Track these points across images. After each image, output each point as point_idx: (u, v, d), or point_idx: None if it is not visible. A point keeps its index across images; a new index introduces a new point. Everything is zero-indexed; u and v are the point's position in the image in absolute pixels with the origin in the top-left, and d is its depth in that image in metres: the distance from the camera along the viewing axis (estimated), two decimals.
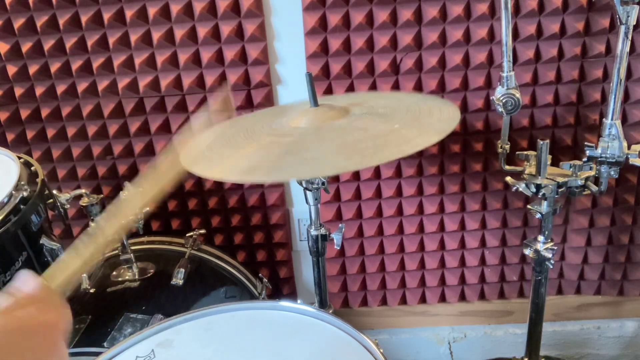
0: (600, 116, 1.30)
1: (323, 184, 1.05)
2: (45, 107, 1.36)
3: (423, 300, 1.57)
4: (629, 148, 1.04)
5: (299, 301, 0.94)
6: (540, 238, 1.14)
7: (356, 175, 1.41)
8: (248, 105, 1.33)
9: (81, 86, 1.33)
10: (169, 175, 0.82)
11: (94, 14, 1.26)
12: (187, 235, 1.33)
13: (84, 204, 1.19)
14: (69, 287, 0.68)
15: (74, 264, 0.71)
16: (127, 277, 1.20)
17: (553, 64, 1.27)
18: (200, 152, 0.90)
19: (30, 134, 1.38)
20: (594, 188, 1.08)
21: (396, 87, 1.31)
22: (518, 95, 1.04)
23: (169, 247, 1.32)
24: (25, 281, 0.61)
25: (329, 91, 1.32)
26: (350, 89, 1.32)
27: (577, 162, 1.09)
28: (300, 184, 1.07)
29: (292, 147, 0.86)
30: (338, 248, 1.10)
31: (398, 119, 0.91)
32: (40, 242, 1.05)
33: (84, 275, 1.21)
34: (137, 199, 0.82)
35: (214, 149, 0.92)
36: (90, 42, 1.29)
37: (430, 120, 0.90)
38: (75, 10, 1.26)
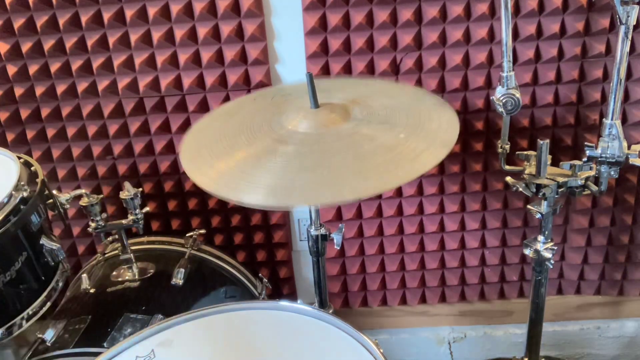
0: (600, 116, 1.30)
1: None
2: (45, 107, 1.36)
3: (423, 300, 1.57)
4: (629, 148, 1.04)
5: (299, 301, 0.94)
6: (540, 238, 1.14)
7: None
8: None
9: (81, 86, 1.33)
10: None
11: (94, 14, 1.26)
12: (187, 235, 1.33)
13: (84, 204, 1.19)
14: None
15: None
16: (127, 277, 1.20)
17: (553, 64, 1.27)
18: (220, 174, 0.88)
19: (30, 134, 1.38)
20: (594, 188, 1.08)
21: None
22: (518, 95, 1.04)
23: (169, 247, 1.32)
24: None
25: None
26: None
27: (577, 162, 1.09)
28: None
29: (304, 160, 0.85)
30: (338, 248, 1.10)
31: (400, 124, 0.91)
32: (40, 242, 1.05)
33: (84, 275, 1.21)
34: None
35: (231, 166, 0.90)
36: (90, 42, 1.29)
37: (432, 125, 0.90)
38: (75, 10, 1.26)
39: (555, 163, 1.12)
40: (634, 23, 0.96)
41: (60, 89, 1.33)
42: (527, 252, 1.16)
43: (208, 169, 0.90)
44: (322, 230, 1.11)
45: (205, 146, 0.97)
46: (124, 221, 1.21)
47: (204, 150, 0.95)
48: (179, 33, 1.27)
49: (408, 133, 0.88)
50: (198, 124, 1.07)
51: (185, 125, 1.36)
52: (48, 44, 1.29)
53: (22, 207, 0.98)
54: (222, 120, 1.07)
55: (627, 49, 0.98)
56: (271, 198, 0.81)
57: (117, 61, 1.30)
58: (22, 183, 1.01)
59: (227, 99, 1.33)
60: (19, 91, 1.34)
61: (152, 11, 1.25)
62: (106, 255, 1.30)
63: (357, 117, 0.95)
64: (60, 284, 1.09)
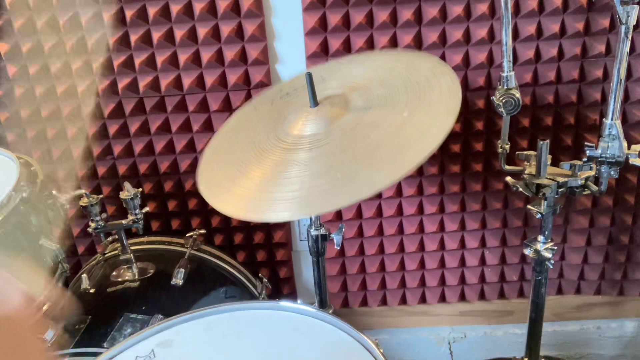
0: (600, 116, 1.30)
1: None
2: (45, 107, 1.36)
3: (423, 300, 1.57)
4: (629, 148, 1.04)
5: (299, 301, 0.94)
6: (540, 238, 1.14)
7: None
8: None
9: (81, 86, 1.33)
10: None
11: (94, 14, 1.26)
12: (187, 235, 1.33)
13: (84, 204, 1.19)
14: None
15: None
16: (127, 277, 1.20)
17: (553, 64, 1.27)
18: (240, 198, 0.89)
19: (30, 134, 1.38)
20: (594, 188, 1.08)
21: None
22: (518, 95, 1.04)
23: (169, 247, 1.31)
24: None
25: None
26: None
27: (577, 162, 1.09)
28: None
29: (315, 166, 0.85)
30: (338, 248, 1.10)
31: (401, 101, 0.90)
32: (40, 242, 1.05)
33: (84, 275, 1.21)
34: None
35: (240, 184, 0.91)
36: (90, 42, 1.28)
37: (433, 93, 0.89)
38: (75, 11, 1.26)
39: (555, 163, 1.12)
40: (634, 23, 0.95)
41: (61, 89, 1.33)
42: (527, 252, 1.16)
43: (227, 195, 0.90)
44: (322, 230, 1.11)
45: (219, 170, 0.97)
46: (124, 221, 1.21)
47: (219, 175, 0.96)
48: (179, 33, 1.27)
49: (410, 109, 0.87)
50: (207, 150, 1.07)
51: (186, 125, 1.36)
52: (48, 44, 1.28)
53: (22, 207, 0.98)
54: (229, 139, 1.07)
55: (627, 49, 0.98)
56: (291, 212, 0.84)
57: (117, 61, 1.30)
58: (22, 183, 1.01)
59: (227, 98, 1.33)
60: (19, 91, 1.34)
61: (152, 11, 1.25)
62: (106, 255, 1.30)
63: (358, 105, 0.93)
64: (60, 284, 1.09)
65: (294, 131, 0.93)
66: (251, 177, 0.90)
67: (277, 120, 0.99)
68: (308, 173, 0.85)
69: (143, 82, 1.32)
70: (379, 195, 1.42)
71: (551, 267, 1.15)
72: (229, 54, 1.29)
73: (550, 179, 1.08)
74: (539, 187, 1.08)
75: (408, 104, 0.89)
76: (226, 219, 1.47)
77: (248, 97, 1.33)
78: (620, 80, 1.00)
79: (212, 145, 1.08)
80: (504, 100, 1.04)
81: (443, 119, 0.82)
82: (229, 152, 1.01)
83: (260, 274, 1.36)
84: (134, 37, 1.27)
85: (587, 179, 1.08)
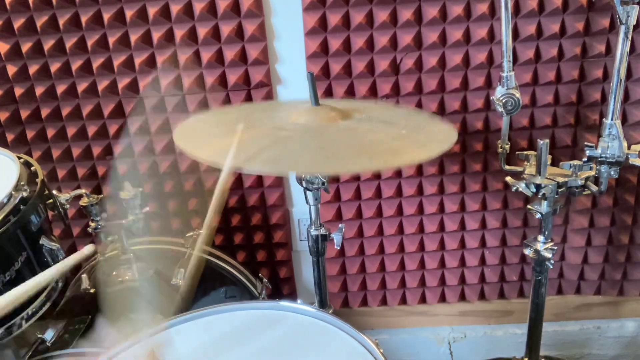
0: (600, 116, 1.30)
1: (323, 183, 1.05)
2: (45, 107, 1.36)
3: (423, 300, 1.57)
4: (629, 148, 1.04)
5: (299, 301, 0.94)
6: (540, 238, 1.14)
7: (356, 176, 1.41)
8: None
9: (81, 86, 1.33)
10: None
11: (94, 14, 1.26)
12: (187, 235, 1.33)
13: (83, 204, 1.19)
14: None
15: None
16: (127, 277, 1.20)
17: (553, 64, 1.27)
18: (220, 148, 0.86)
19: (30, 134, 1.38)
20: (594, 188, 1.08)
21: (396, 87, 1.31)
22: (518, 95, 1.04)
23: (169, 247, 1.31)
24: None
25: (329, 91, 1.32)
26: (350, 89, 1.32)
27: (577, 162, 1.09)
28: (301, 183, 1.07)
29: (306, 141, 0.85)
30: (338, 248, 1.10)
31: (401, 124, 0.92)
32: (40, 242, 1.05)
33: (84, 275, 1.21)
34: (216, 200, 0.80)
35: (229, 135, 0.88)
36: (90, 42, 1.29)
37: (431, 129, 0.92)
38: (75, 10, 1.26)
39: (555, 163, 1.12)
40: (634, 23, 0.96)
41: (60, 89, 1.33)
42: (527, 252, 1.16)
43: (206, 146, 0.88)
44: (322, 230, 1.11)
45: (203, 130, 0.97)
46: (124, 221, 1.21)
47: (201, 133, 0.95)
48: (179, 33, 1.27)
49: (409, 130, 0.89)
50: (194, 118, 1.07)
51: None
52: (48, 44, 1.29)
53: (22, 207, 0.98)
54: (219, 115, 1.08)
55: (627, 49, 0.98)
56: (272, 166, 0.80)
57: (117, 61, 1.30)
58: (22, 183, 1.01)
59: (227, 98, 1.33)
60: (19, 91, 1.34)
61: (152, 11, 1.25)
62: (106, 255, 1.30)
63: (357, 117, 0.95)
64: (60, 284, 1.09)
65: (289, 119, 0.94)
66: (235, 136, 0.87)
67: (275, 111, 1.01)
68: (296, 144, 0.84)
69: (143, 82, 1.32)
70: (379, 195, 1.42)
71: (551, 267, 1.15)
72: (229, 54, 1.29)
73: (550, 179, 1.08)
74: (539, 187, 1.08)
75: (407, 127, 0.91)
76: (226, 219, 1.47)
77: (248, 97, 1.33)
78: (620, 80, 1.00)
79: (200, 116, 1.08)
80: (504, 100, 1.04)
81: (438, 142, 0.84)
82: (218, 119, 1.01)
83: (260, 274, 1.36)
84: (134, 37, 1.27)
85: (587, 179, 1.08)
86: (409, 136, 0.87)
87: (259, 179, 1.42)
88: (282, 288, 1.56)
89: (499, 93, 1.05)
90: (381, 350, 0.82)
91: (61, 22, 1.26)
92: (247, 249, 1.52)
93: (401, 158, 0.80)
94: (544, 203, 1.10)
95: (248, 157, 0.79)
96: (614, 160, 1.04)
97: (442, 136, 0.88)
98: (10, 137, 1.38)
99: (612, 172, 1.05)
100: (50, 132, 1.38)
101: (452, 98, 1.31)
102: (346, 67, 1.29)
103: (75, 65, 1.31)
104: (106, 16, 1.26)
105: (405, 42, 1.26)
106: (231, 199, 1.44)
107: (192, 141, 0.92)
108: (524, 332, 1.30)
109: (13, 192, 0.98)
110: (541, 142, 1.06)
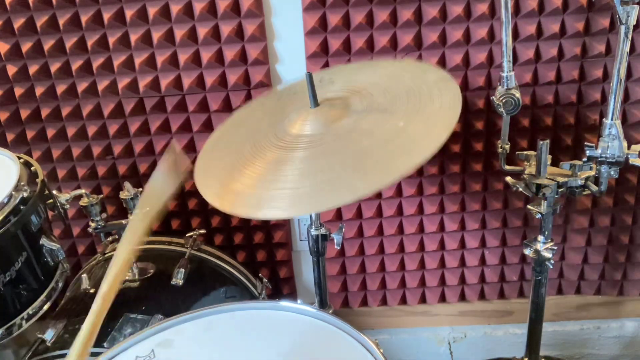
0: (600, 116, 1.30)
1: None
2: (45, 107, 1.36)
3: (423, 300, 1.57)
4: (629, 148, 1.04)
5: (299, 301, 0.94)
6: (540, 238, 1.14)
7: None
8: None
9: (81, 86, 1.33)
10: (167, 193, 0.84)
11: (94, 14, 1.26)
12: (187, 235, 1.33)
13: (83, 204, 1.19)
14: None
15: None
16: (127, 277, 1.20)
17: (553, 64, 1.27)
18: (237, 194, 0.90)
19: (30, 134, 1.38)
20: (594, 188, 1.08)
21: None
22: (518, 95, 1.04)
23: (169, 247, 1.32)
24: None
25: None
26: None
27: (577, 162, 1.09)
28: None
29: (304, 167, 0.86)
30: (338, 248, 1.10)
31: (400, 110, 0.90)
32: (40, 242, 1.05)
33: (84, 275, 1.21)
34: (142, 220, 0.82)
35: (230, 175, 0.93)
36: (90, 42, 1.29)
37: (433, 107, 0.89)
38: (75, 10, 1.26)
39: (555, 163, 1.12)
40: (634, 23, 0.96)
41: (60, 89, 1.33)
42: (527, 252, 1.16)
43: (224, 192, 0.91)
44: (322, 230, 1.11)
45: (216, 165, 0.99)
46: (124, 221, 1.21)
47: (216, 170, 0.98)
48: (179, 33, 1.27)
49: (407, 119, 0.88)
50: (209, 140, 1.10)
51: (186, 126, 1.36)
52: (48, 44, 1.29)
53: (22, 207, 0.98)
54: (230, 133, 1.10)
55: (627, 49, 0.98)
56: (277, 211, 0.86)
57: (117, 61, 1.30)
58: (22, 183, 1.01)
59: (227, 98, 1.33)
60: (19, 91, 1.34)
61: (152, 11, 1.25)
62: (106, 255, 1.30)
63: (357, 109, 0.94)
64: (60, 284, 1.09)
65: (292, 130, 0.94)
66: (244, 172, 0.91)
67: (279, 118, 1.00)
68: (297, 173, 0.86)
69: (143, 82, 1.32)
70: (379, 195, 1.42)
71: (551, 267, 1.16)
72: (229, 54, 1.29)
73: (550, 179, 1.08)
74: (539, 187, 1.08)
75: (406, 114, 0.90)
76: (226, 219, 1.47)
77: (248, 97, 1.33)
78: (620, 80, 1.00)
79: (213, 136, 1.10)
80: (504, 100, 1.04)
81: (437, 132, 0.83)
82: (228, 146, 1.02)
83: (260, 274, 1.36)
84: (134, 37, 1.27)
85: (587, 179, 1.08)
86: (406, 130, 0.86)
87: None
88: (282, 288, 1.56)
89: (499, 93, 1.05)
90: (381, 350, 0.82)
91: (61, 22, 1.26)
92: (247, 249, 1.52)
93: (394, 167, 0.81)
94: (544, 203, 1.10)
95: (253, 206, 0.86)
96: (614, 160, 1.04)
97: (444, 118, 0.86)
98: (10, 137, 1.38)
99: (612, 172, 1.05)
100: (50, 132, 1.38)
101: None
102: None
103: (75, 65, 1.31)
104: (106, 16, 1.26)
105: (405, 42, 1.26)
106: None
107: (210, 187, 0.95)
108: (524, 332, 1.30)
109: (13, 192, 0.98)
110: (541, 142, 1.06)
